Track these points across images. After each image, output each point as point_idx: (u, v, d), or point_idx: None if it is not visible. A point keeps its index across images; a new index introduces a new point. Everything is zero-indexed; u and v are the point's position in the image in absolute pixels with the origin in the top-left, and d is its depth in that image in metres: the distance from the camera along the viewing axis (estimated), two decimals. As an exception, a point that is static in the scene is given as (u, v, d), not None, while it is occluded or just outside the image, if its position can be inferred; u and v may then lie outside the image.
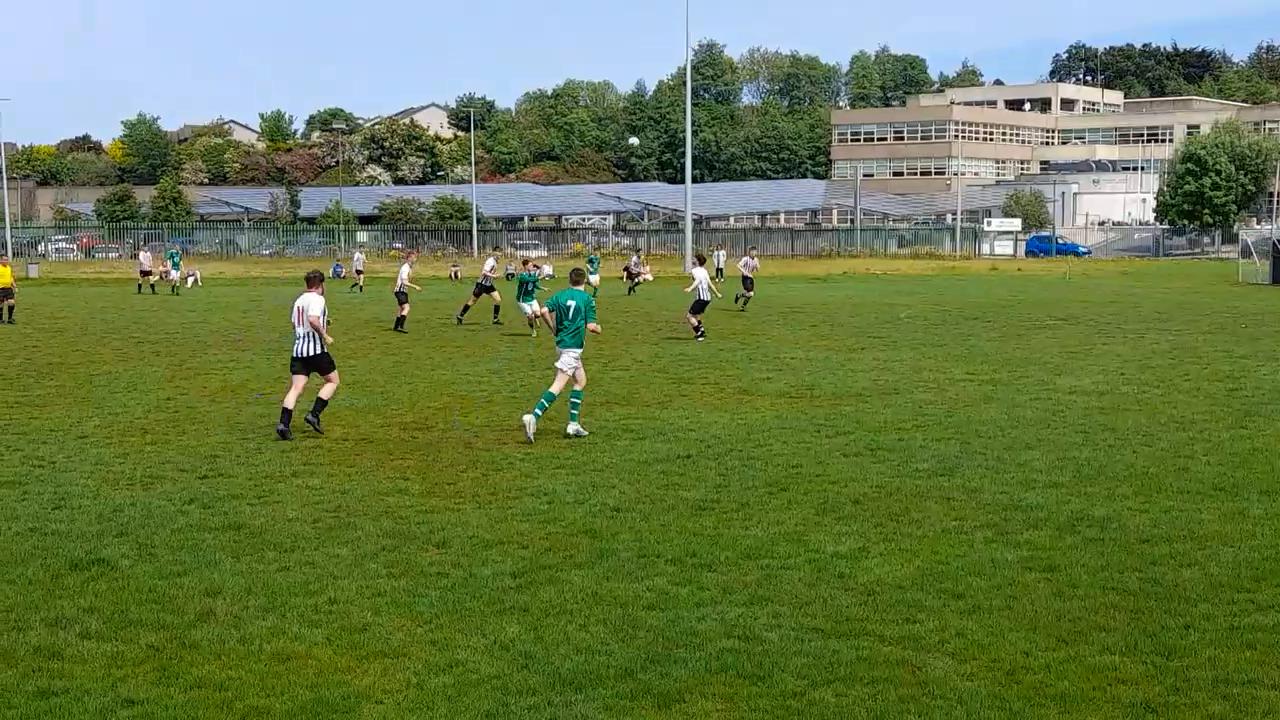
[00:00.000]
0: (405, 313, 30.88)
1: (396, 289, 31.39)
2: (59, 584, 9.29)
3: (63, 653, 7.85)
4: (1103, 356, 24.32)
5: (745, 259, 40.90)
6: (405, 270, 32.10)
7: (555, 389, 15.45)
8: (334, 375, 16.00)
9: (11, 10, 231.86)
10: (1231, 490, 12.32)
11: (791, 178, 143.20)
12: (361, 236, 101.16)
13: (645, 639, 8.11)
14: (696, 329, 28.45)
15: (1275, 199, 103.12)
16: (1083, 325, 31.76)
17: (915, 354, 24.93)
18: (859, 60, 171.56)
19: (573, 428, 15.43)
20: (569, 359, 15.42)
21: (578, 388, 15.60)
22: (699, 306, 28.95)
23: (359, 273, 54.17)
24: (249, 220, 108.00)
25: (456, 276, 60.63)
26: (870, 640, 8.07)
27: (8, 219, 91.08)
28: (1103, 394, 19.10)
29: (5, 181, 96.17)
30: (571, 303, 15.47)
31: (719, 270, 56.04)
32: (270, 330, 31.27)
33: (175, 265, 50.27)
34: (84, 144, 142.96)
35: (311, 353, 15.64)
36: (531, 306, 27.59)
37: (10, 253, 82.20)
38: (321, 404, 15.79)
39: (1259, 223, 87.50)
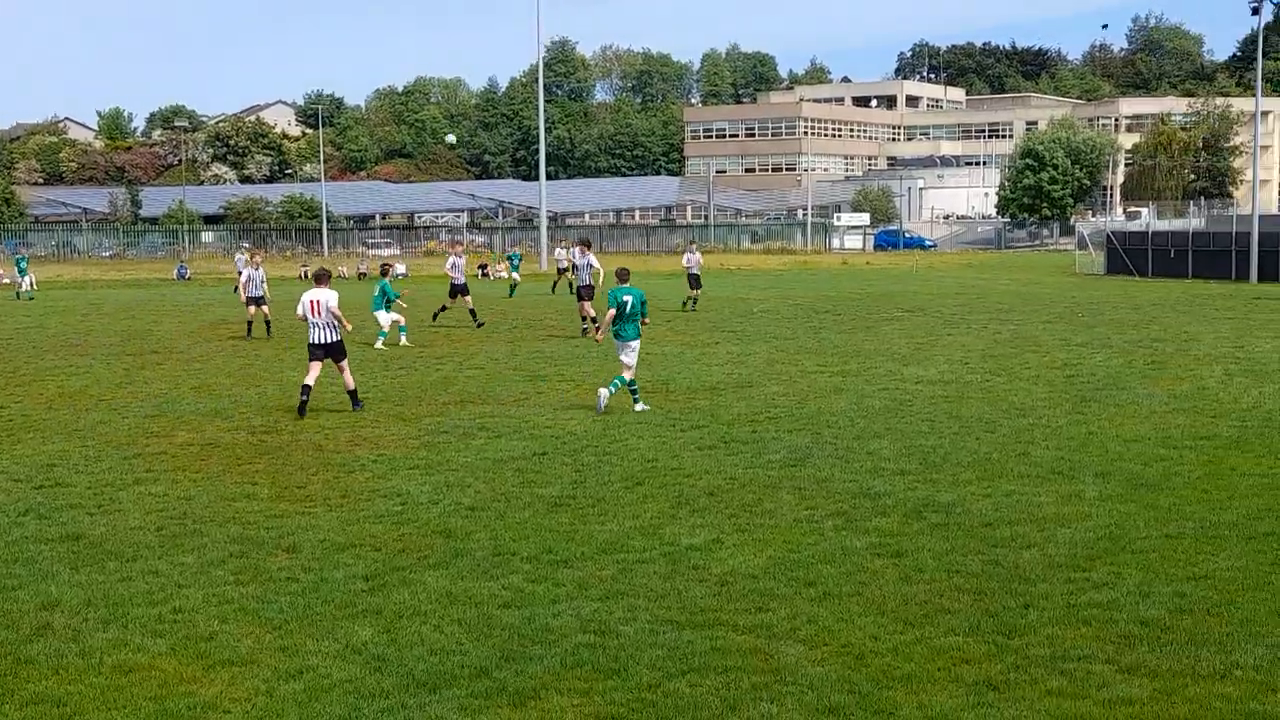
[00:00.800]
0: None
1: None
2: (-117, 603, 8.87)
3: (-112, 674, 7.50)
4: (948, 347, 24.99)
5: (688, 254, 37.22)
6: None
7: (628, 376, 17.19)
8: (345, 361, 17.77)
9: None
10: (1068, 474, 12.78)
11: (646, 174, 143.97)
12: (207, 236, 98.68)
13: (500, 637, 8.08)
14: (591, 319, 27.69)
15: (1109, 192, 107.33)
16: (929, 317, 32.59)
17: (768, 347, 25.29)
18: (710, 58, 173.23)
19: (640, 406, 17.09)
20: (632, 350, 17.12)
21: (628, 376, 17.20)
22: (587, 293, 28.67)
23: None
24: (87, 221, 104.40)
25: (306, 276, 59.41)
26: (724, 630, 8.16)
27: None
28: (948, 383, 19.63)
29: None
30: (628, 298, 17.07)
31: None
32: (112, 334, 30.32)
33: (22, 271, 48.08)
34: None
35: (330, 340, 17.43)
36: (387, 316, 27.02)
37: None
38: (352, 393, 17.75)
39: (1094, 215, 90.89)
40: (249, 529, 10.92)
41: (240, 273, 31.20)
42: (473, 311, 30.86)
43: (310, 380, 17.36)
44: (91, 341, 28.49)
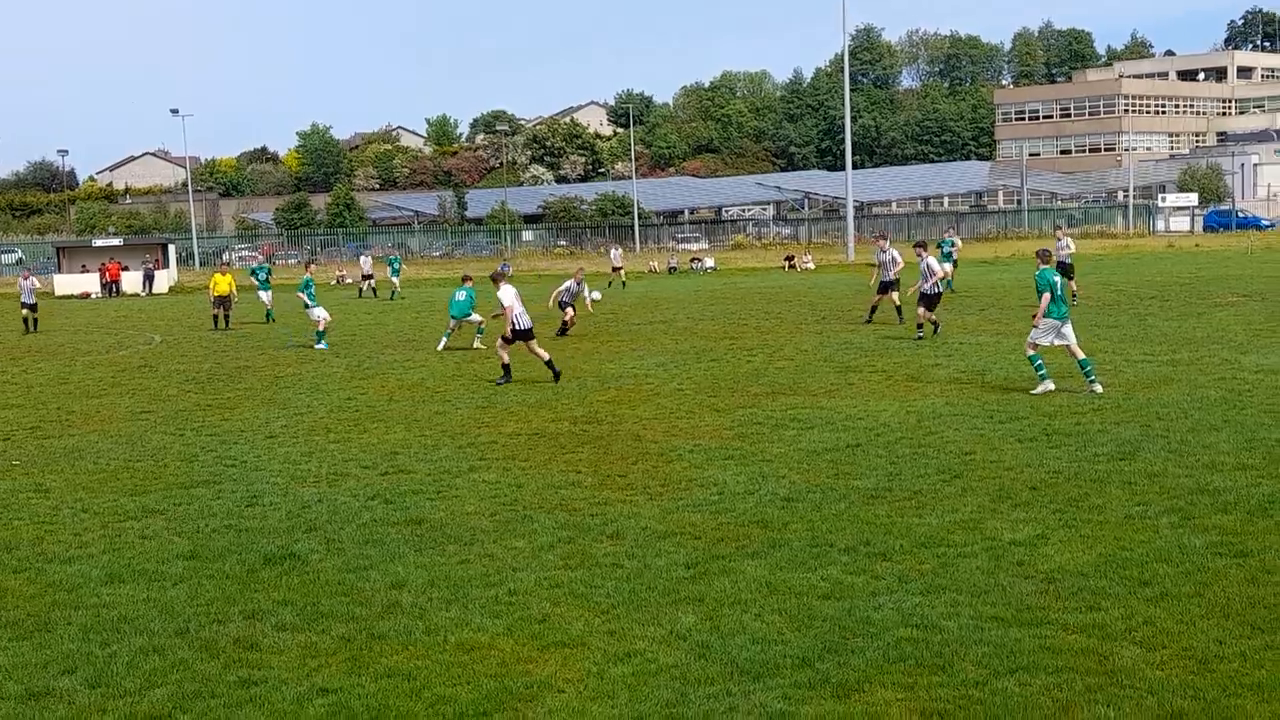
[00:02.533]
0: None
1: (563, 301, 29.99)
2: (254, 578, 9.70)
3: (260, 644, 8.20)
4: (1292, 333, 23.28)
5: (1060, 240, 33.57)
6: (576, 285, 30.96)
7: (1081, 355, 17.62)
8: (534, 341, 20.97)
9: (191, 31, 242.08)
10: None
11: (954, 160, 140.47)
12: (527, 235, 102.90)
13: (821, 628, 8.10)
14: (933, 324, 25.26)
15: None
16: (1268, 302, 30.44)
17: (1090, 335, 24.22)
18: (1021, 37, 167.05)
19: (1098, 387, 17.19)
20: (1069, 330, 17.65)
21: (1081, 356, 17.64)
22: (930, 301, 25.05)
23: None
24: (419, 223, 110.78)
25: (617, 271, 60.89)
26: (1052, 629, 7.91)
27: (194, 230, 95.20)
28: (1293, 372, 18.30)
29: (191, 194, 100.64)
30: (1058, 278, 17.86)
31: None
32: (442, 331, 32.03)
33: (396, 271, 50.62)
34: (262, 155, 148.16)
35: (528, 325, 20.65)
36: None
37: (197, 262, 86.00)
38: (549, 364, 20.68)
39: None
40: (575, 515, 11.35)
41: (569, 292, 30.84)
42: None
43: (506, 358, 20.78)
44: (425, 337, 30.20)
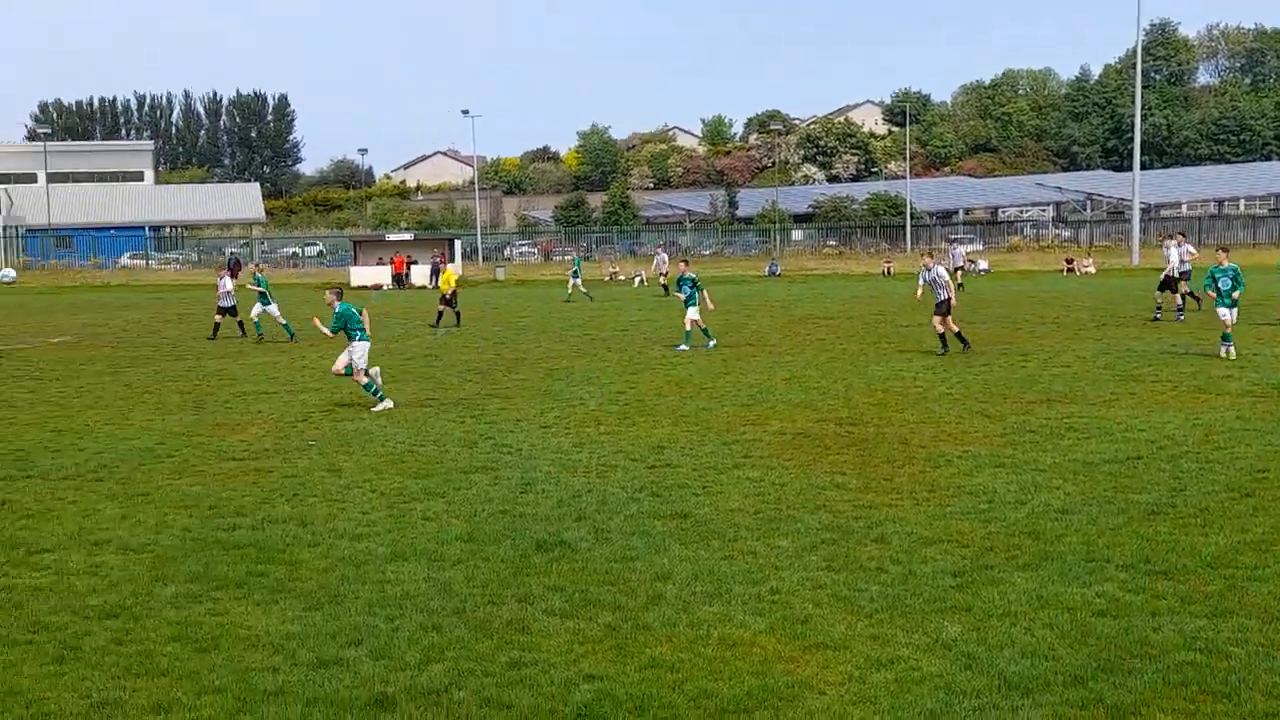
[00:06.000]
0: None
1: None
2: (526, 563, 10.05)
3: (530, 627, 8.49)
4: None
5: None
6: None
7: None
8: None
9: (483, 35, 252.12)
10: None
11: (1252, 160, 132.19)
12: (796, 235, 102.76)
13: (1095, 646, 7.80)
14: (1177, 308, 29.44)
15: None
16: None
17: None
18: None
19: None
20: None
21: None
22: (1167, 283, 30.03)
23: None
24: (690, 222, 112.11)
25: (889, 273, 59.85)
26: (1353, 663, 7.38)
27: (478, 226, 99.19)
28: None
29: (477, 191, 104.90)
30: None
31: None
32: (712, 328, 32.31)
33: (575, 274, 48.88)
34: (544, 155, 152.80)
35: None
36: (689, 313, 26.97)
37: (480, 257, 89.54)
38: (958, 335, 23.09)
39: None
40: (839, 518, 11.28)
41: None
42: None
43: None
44: (693, 334, 30.52)
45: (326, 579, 9.70)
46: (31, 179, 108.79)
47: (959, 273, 50.04)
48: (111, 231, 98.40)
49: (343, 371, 19.44)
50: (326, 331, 19.66)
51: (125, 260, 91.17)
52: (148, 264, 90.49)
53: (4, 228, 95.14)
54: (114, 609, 8.97)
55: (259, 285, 31.75)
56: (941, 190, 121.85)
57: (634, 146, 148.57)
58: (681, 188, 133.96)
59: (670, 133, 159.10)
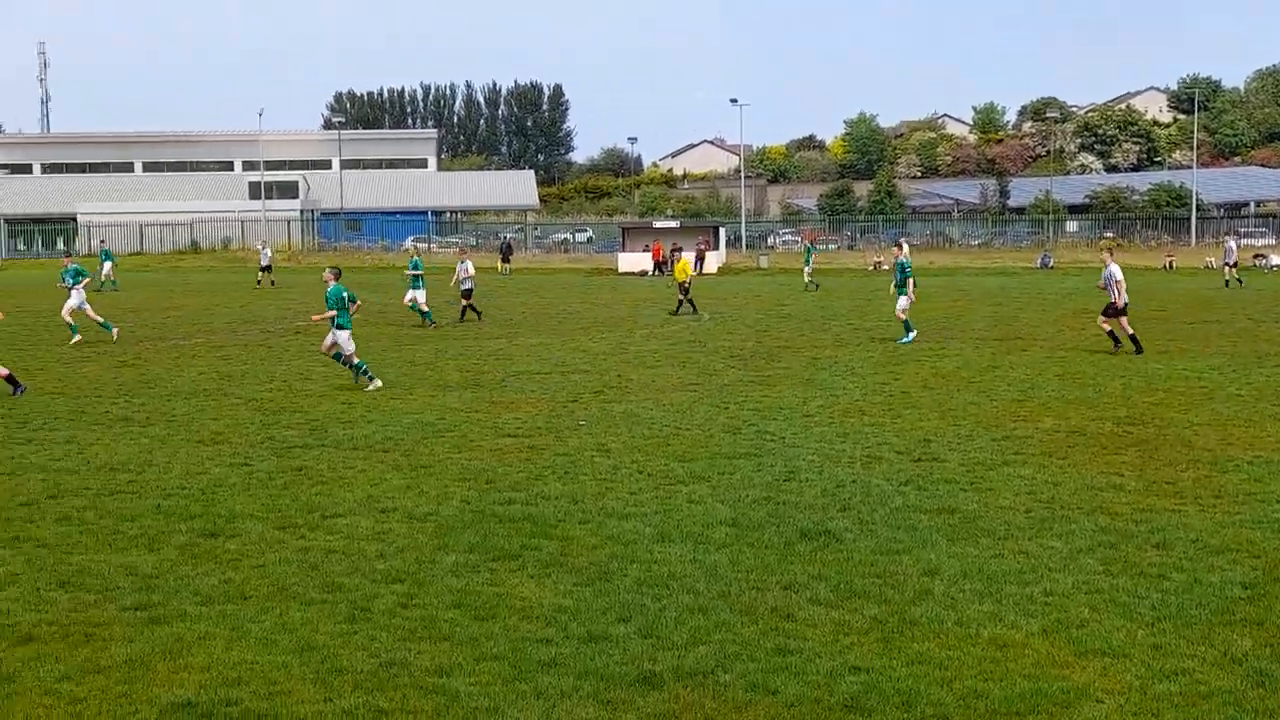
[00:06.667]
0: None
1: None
2: (791, 551, 10.07)
3: (795, 615, 8.50)
4: None
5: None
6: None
7: None
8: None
9: (751, 24, 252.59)
10: None
11: None
12: (1071, 226, 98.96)
13: (1404, 672, 7.26)
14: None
15: None
16: None
17: None
18: None
19: None
20: None
21: None
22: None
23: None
24: (958, 211, 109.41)
25: (1170, 267, 56.79)
26: None
27: (743, 214, 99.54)
28: None
29: (743, 179, 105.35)
30: None
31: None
32: (979, 320, 31.57)
33: (807, 262, 48.84)
34: (809, 143, 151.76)
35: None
36: None
37: (744, 245, 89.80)
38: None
39: None
40: (1116, 520, 10.84)
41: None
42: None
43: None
44: (960, 326, 29.86)
45: (596, 555, 9.96)
46: (326, 165, 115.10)
47: (1232, 268, 47.22)
48: (398, 216, 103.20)
49: (330, 354, 20.74)
50: (326, 315, 20.36)
51: (407, 244, 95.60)
52: (429, 247, 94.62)
53: (301, 211, 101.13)
54: (399, 574, 9.47)
55: (415, 269, 32.15)
56: (1231, 181, 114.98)
57: (901, 135, 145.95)
58: (950, 176, 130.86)
59: (940, 120, 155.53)
